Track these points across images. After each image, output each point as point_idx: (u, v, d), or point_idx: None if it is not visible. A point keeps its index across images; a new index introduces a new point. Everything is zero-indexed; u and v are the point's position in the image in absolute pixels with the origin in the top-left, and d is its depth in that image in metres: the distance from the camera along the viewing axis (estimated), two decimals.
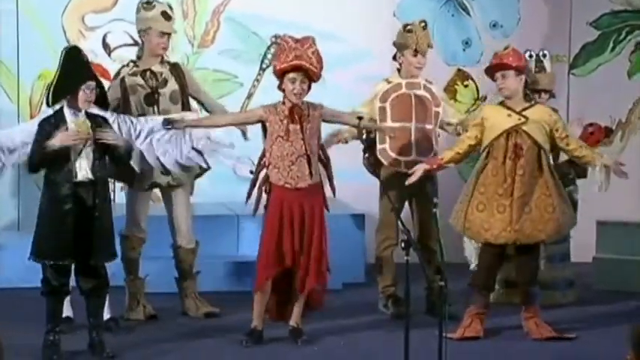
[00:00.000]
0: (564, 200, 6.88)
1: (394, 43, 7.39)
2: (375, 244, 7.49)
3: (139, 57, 7.22)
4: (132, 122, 6.83)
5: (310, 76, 6.58)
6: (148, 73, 7.15)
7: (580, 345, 6.80)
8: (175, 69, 7.25)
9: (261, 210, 6.73)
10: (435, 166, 6.99)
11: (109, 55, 8.69)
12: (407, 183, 6.94)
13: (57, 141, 6.13)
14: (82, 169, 6.25)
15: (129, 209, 7.26)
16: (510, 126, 6.77)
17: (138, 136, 6.80)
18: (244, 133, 7.23)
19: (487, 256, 6.90)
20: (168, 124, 6.74)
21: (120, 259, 7.16)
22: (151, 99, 7.12)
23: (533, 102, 6.96)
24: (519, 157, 6.75)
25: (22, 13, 8.57)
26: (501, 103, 6.91)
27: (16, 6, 8.53)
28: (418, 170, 6.92)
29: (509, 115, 6.80)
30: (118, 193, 7.36)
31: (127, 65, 7.21)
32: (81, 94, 6.22)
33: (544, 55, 7.66)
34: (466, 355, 6.44)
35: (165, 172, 7.03)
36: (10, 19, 8.55)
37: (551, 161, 7.00)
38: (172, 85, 7.18)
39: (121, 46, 8.69)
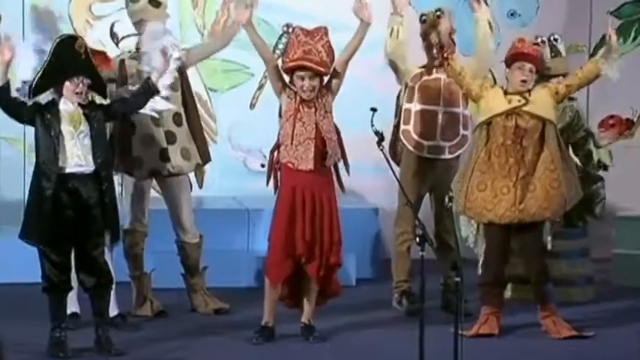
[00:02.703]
0: (571, 172, 6.81)
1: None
2: (394, 237, 7.43)
3: (137, 48, 7.20)
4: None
5: (318, 73, 6.52)
6: None
7: (598, 343, 6.75)
8: None
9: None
10: (448, 52, 6.87)
11: (117, 44, 8.65)
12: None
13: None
14: (74, 155, 6.20)
15: (130, 203, 7.21)
16: (510, 107, 6.71)
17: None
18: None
19: (493, 253, 6.80)
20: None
21: (123, 255, 7.16)
22: None
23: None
24: (521, 137, 6.68)
25: (28, 1, 8.52)
26: (502, 89, 6.85)
27: None
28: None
29: (509, 100, 6.73)
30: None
31: (130, 52, 7.22)
32: (68, 84, 6.20)
33: (555, 40, 7.58)
34: (482, 353, 6.39)
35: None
36: (15, 7, 8.51)
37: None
38: None
39: (129, 35, 8.60)
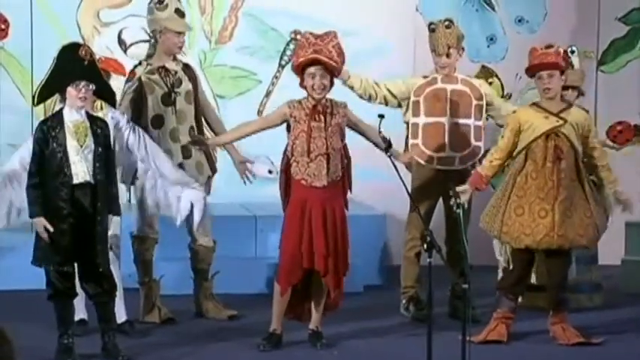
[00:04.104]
0: (598, 204, 6.80)
1: None
2: (403, 243, 7.47)
3: (149, 55, 7.24)
4: (144, 140, 6.77)
5: (330, 70, 6.51)
6: (163, 71, 7.17)
7: (606, 350, 6.76)
8: (188, 69, 7.28)
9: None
10: (483, 186, 6.84)
11: (125, 51, 8.71)
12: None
13: (38, 226, 6.17)
14: (80, 171, 6.20)
15: (141, 209, 7.22)
16: (549, 128, 6.69)
17: (142, 160, 6.74)
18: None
19: (520, 261, 6.83)
20: (194, 143, 6.84)
21: (133, 261, 7.21)
22: (169, 99, 7.14)
23: (568, 104, 6.87)
24: (560, 159, 6.66)
25: (37, 8, 8.60)
26: (535, 104, 6.81)
27: (30, 1, 8.59)
28: (466, 193, 6.78)
29: (546, 117, 6.71)
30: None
31: (141, 64, 7.22)
32: (70, 89, 6.17)
33: (572, 52, 7.62)
34: (489, 359, 6.40)
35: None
36: (24, 14, 8.59)
37: None
38: (187, 84, 7.21)
39: (137, 42, 8.70)
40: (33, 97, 6.40)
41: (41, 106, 8.54)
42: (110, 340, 6.37)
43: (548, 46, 6.83)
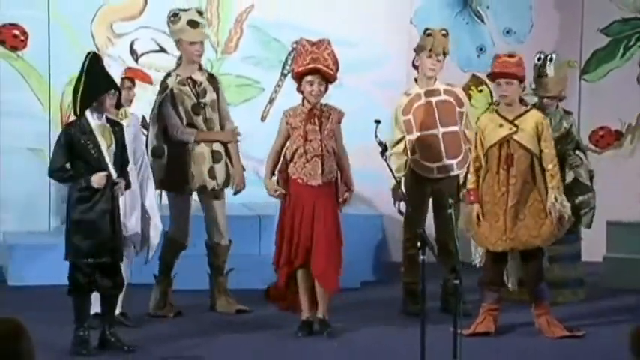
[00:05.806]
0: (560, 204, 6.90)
1: (415, 48, 7.59)
2: (402, 242, 7.62)
3: (177, 65, 7.47)
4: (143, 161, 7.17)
5: (327, 77, 6.85)
6: (191, 81, 7.41)
7: (588, 341, 6.94)
8: (212, 79, 7.53)
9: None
10: (478, 200, 6.98)
11: (136, 61, 8.81)
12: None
13: (94, 182, 6.43)
14: (111, 171, 6.52)
15: (174, 214, 7.47)
16: (502, 136, 6.86)
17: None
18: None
19: (490, 257, 7.05)
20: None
21: (158, 257, 7.43)
22: (198, 108, 7.41)
23: (529, 107, 7.02)
24: (511, 166, 6.83)
25: (53, 20, 8.73)
26: (495, 111, 7.02)
27: (48, 13, 8.71)
28: (473, 217, 6.97)
29: (501, 126, 6.88)
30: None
31: (170, 75, 7.44)
32: (107, 99, 6.50)
33: (550, 59, 7.70)
34: (480, 351, 6.58)
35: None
36: (42, 27, 8.73)
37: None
38: (211, 94, 7.46)
39: (147, 52, 8.81)
40: (74, 108, 6.53)
41: (57, 112, 8.75)
42: (113, 332, 6.59)
43: (511, 55, 7.00)
